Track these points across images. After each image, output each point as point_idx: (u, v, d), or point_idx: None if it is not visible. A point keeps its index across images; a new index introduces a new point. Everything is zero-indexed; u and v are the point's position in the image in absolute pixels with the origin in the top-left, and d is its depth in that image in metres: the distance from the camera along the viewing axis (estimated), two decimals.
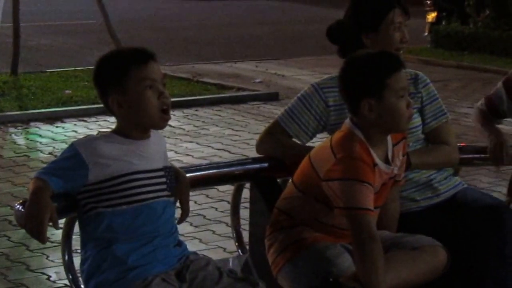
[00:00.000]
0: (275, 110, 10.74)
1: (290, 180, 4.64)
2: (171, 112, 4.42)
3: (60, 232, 4.57)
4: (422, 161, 4.84)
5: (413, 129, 4.93)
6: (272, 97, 14.11)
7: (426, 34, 20.04)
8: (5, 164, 10.42)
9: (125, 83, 4.11)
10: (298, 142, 4.93)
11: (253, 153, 5.15)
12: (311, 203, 4.41)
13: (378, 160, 4.25)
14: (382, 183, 4.30)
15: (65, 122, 12.40)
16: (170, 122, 4.48)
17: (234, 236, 5.34)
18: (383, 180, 4.31)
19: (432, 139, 5.01)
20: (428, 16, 20.68)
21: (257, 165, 5.03)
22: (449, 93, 12.78)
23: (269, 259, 4.55)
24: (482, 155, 5.45)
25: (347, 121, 4.29)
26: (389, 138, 4.40)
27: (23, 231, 4.15)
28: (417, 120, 5.00)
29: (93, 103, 12.53)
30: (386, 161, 4.33)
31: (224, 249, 6.47)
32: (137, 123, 4.18)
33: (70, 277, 4.56)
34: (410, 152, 4.75)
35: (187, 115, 12.52)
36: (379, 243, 4.11)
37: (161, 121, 4.20)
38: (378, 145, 4.28)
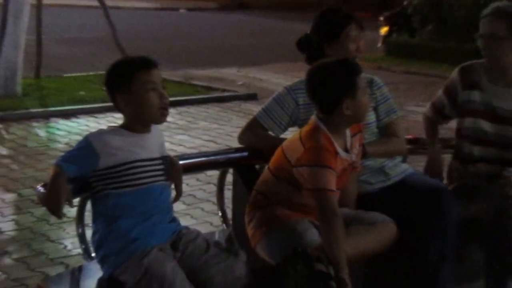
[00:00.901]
0: (254, 108, 10.76)
1: (266, 167, 4.69)
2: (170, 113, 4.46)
3: (75, 209, 4.58)
4: (376, 151, 4.92)
5: (368, 125, 5.02)
6: (251, 97, 14.18)
7: (379, 45, 20.10)
8: (29, 152, 10.42)
9: (132, 86, 4.21)
10: (273, 134, 5.00)
11: (236, 144, 5.20)
12: (284, 185, 4.48)
13: (339, 149, 4.33)
14: (343, 168, 4.38)
15: (79, 118, 12.43)
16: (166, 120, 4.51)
17: (220, 213, 5.37)
18: (343, 166, 4.40)
19: (385, 133, 5.08)
20: (381, 30, 20.78)
21: (239, 154, 5.12)
22: (399, 94, 12.81)
23: (249, 232, 4.61)
24: (426, 147, 5.51)
25: (313, 117, 4.39)
26: (347, 131, 4.49)
27: (44, 208, 4.27)
28: (372, 117, 5.10)
29: (103, 102, 12.55)
30: (345, 150, 4.42)
31: (211, 224, 6.48)
32: (141, 119, 4.28)
33: (83, 247, 4.65)
34: (366, 144, 4.83)
35: (180, 112, 12.55)
36: (341, 219, 4.19)
37: (161, 118, 4.32)
38: (339, 137, 4.36)
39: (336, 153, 4.37)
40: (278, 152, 4.52)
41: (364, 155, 4.81)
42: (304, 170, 4.33)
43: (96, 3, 14.88)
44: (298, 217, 4.48)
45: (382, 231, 4.58)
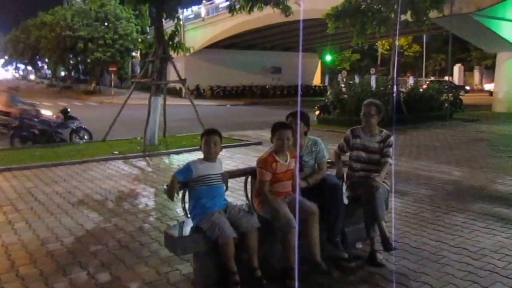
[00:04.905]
0: (261, 148, 10.78)
1: None
2: (221, 151, 4.69)
3: (180, 195, 4.61)
4: (312, 181, 5.07)
5: (310, 164, 5.17)
6: (259, 143, 14.06)
7: (315, 119, 20.03)
8: (161, 169, 10.41)
9: (206, 141, 4.51)
10: None
11: (252, 164, 5.17)
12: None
13: (279, 159, 4.59)
14: (285, 170, 4.66)
15: (183, 154, 12.38)
16: (221, 154, 4.72)
17: (245, 196, 5.30)
18: (285, 168, 4.63)
19: (318, 166, 5.17)
20: (316, 112, 20.72)
21: (253, 169, 4.98)
22: (324, 140, 12.65)
23: (255, 205, 4.82)
24: (329, 165, 5.64)
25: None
26: (288, 153, 4.72)
27: (166, 196, 4.39)
28: (312, 161, 5.16)
29: (194, 147, 12.57)
30: (285, 161, 4.66)
31: (242, 200, 6.41)
32: (204, 156, 4.54)
33: (184, 212, 4.70)
34: (308, 177, 5.07)
35: (228, 151, 12.45)
36: (267, 193, 4.60)
37: (210, 156, 4.57)
38: (281, 155, 4.66)
39: (276, 161, 4.59)
40: None
41: (308, 184, 4.91)
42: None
43: (189, 103, 14.95)
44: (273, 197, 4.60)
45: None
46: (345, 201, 5.29)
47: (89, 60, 47.79)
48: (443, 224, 6.37)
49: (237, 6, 14.53)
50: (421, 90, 22.47)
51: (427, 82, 38.22)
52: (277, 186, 4.71)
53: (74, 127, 14.59)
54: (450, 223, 6.42)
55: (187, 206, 4.72)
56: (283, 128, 4.71)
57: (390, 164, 5.37)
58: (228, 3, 14.64)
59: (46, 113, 15.90)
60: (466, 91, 50.40)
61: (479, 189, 8.41)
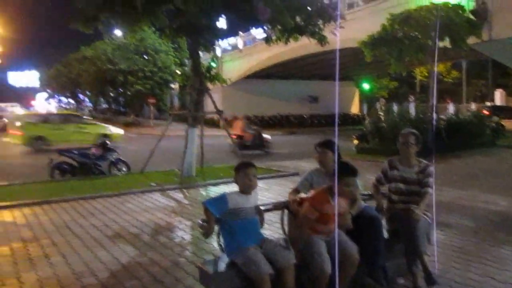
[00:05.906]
0: (297, 179, 10.63)
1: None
2: (258, 182, 4.67)
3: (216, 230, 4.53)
4: (354, 211, 4.89)
5: None
6: (296, 174, 13.82)
7: (354, 148, 19.81)
8: (200, 201, 10.28)
9: (246, 175, 4.51)
10: (303, 194, 4.95)
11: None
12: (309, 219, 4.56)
13: (331, 201, 4.33)
14: (333, 212, 4.12)
15: (220, 186, 12.34)
16: (258, 185, 4.79)
17: (282, 230, 5.22)
18: (333, 210, 4.11)
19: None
20: (354, 141, 20.45)
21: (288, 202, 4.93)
22: (363, 171, 12.44)
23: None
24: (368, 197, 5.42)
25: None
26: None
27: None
28: None
29: (231, 178, 12.50)
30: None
31: (279, 234, 6.31)
32: (241, 189, 4.52)
33: (220, 247, 4.64)
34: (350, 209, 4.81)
35: (265, 182, 12.38)
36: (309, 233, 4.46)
37: (249, 189, 4.53)
38: (333, 196, 4.30)
39: (329, 202, 4.32)
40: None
41: (352, 215, 4.71)
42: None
43: (225, 134, 14.98)
44: (313, 234, 4.49)
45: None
46: (385, 234, 5.16)
47: (129, 93, 48.80)
48: (489, 258, 6.11)
49: (273, 37, 14.60)
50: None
51: (488, 109, 37.70)
52: (322, 227, 4.54)
53: (113, 159, 14.79)
54: (497, 257, 6.16)
55: (222, 240, 4.66)
56: (352, 175, 4.46)
57: (431, 195, 5.24)
58: (265, 34, 14.61)
59: (267, 137, 22.41)
60: None
61: None
